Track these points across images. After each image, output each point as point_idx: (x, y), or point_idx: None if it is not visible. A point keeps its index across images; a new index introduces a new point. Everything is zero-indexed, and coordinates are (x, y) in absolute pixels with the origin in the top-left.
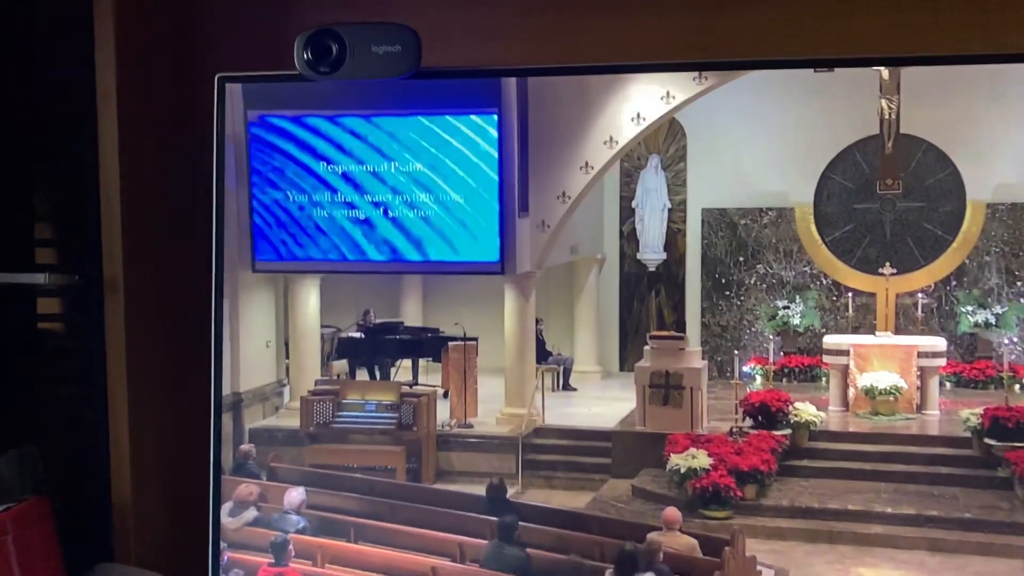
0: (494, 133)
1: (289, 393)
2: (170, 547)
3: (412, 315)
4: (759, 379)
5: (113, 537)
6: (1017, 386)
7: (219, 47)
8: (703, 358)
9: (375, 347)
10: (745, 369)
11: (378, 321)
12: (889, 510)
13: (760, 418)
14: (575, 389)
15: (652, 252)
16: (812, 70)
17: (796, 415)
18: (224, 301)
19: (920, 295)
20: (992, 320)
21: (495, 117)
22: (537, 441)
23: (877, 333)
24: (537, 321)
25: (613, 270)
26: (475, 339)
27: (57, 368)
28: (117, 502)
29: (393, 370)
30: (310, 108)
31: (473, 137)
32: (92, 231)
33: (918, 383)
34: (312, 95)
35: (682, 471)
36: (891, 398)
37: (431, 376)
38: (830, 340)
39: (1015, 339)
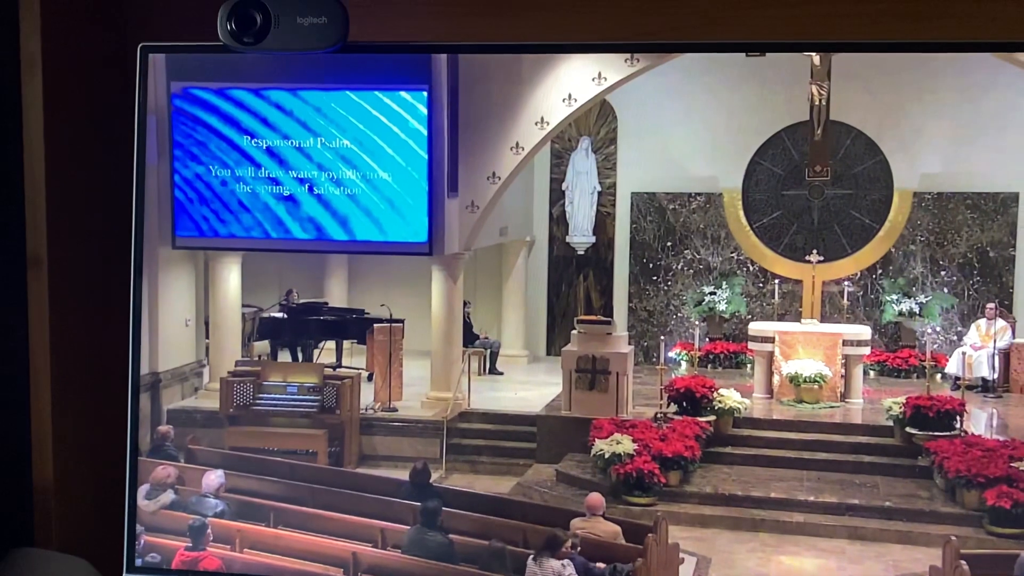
0: (424, 110)
1: (209, 374)
2: (92, 530)
3: (337, 296)
4: (684, 365)
5: (34, 521)
6: (939, 375)
7: (144, 16)
8: (630, 343)
9: (298, 328)
10: (671, 355)
11: (301, 301)
12: (811, 498)
13: (685, 404)
14: (502, 373)
15: (581, 235)
16: (744, 54)
17: (720, 401)
18: (143, 278)
19: (846, 283)
20: (916, 309)
21: (425, 94)
22: (462, 425)
23: (803, 321)
24: (465, 304)
25: (542, 253)
26: (401, 321)
27: None
28: (38, 484)
29: (316, 352)
30: (235, 80)
31: (402, 114)
32: (15, 206)
33: (842, 371)
34: (237, 67)
35: (606, 456)
36: (815, 386)
37: (355, 358)
38: (756, 327)
39: (937, 328)
